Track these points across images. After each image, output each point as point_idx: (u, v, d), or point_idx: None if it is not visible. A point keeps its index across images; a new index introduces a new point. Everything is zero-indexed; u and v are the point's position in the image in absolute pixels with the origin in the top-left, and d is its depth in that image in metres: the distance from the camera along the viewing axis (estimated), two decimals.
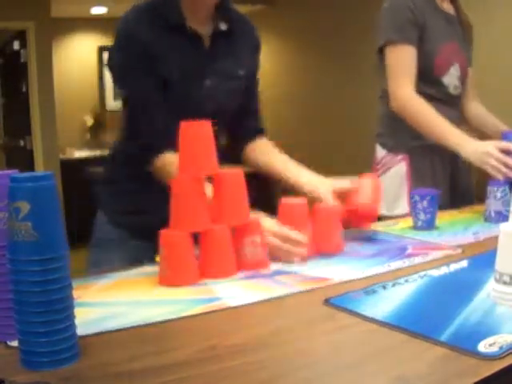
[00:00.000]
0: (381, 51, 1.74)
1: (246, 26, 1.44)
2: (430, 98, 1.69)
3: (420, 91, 1.70)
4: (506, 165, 1.51)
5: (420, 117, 1.67)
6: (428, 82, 1.71)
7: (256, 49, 1.47)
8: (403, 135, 1.76)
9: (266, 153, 1.47)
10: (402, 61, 1.68)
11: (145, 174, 1.32)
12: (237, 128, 1.47)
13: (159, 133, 1.30)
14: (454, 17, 1.79)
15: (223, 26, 1.34)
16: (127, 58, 1.29)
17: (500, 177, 1.52)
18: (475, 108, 1.88)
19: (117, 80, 1.37)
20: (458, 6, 1.81)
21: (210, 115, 1.29)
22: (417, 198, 1.43)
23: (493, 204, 1.50)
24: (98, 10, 5.67)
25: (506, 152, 1.53)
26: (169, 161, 1.27)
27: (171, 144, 1.22)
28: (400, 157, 1.76)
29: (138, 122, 1.34)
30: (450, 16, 1.78)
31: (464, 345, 0.74)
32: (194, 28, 1.30)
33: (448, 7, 1.79)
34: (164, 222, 1.31)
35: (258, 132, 1.51)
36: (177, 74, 1.29)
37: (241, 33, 1.40)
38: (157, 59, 1.27)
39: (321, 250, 1.25)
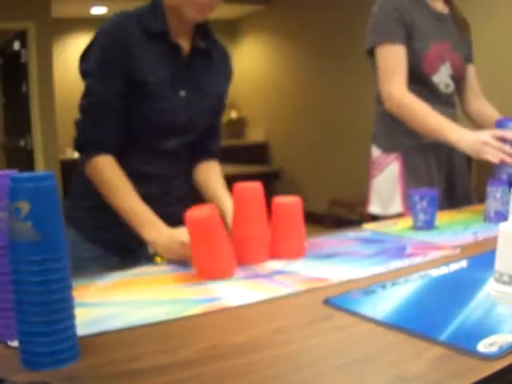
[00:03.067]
0: (370, 54, 1.75)
1: (222, 52, 1.49)
2: (418, 95, 1.70)
3: (409, 89, 1.70)
4: (503, 151, 1.52)
5: (415, 114, 1.67)
6: (417, 80, 1.72)
7: (229, 76, 1.51)
8: (398, 135, 1.77)
9: (210, 175, 1.50)
10: (391, 60, 1.69)
11: None
12: (197, 146, 1.49)
13: (103, 134, 1.32)
14: (447, 16, 1.80)
15: (202, 45, 1.38)
16: (104, 53, 1.30)
17: (496, 160, 1.52)
18: (480, 105, 1.88)
19: (86, 77, 1.36)
20: (452, 4, 1.82)
21: (182, 128, 1.37)
22: (416, 198, 1.43)
23: (493, 204, 1.50)
24: (98, 10, 5.68)
25: (502, 140, 1.53)
26: (102, 162, 1.30)
27: (111, 148, 1.30)
28: (393, 156, 1.77)
29: (87, 119, 1.35)
30: (441, 15, 1.78)
31: (463, 344, 0.74)
32: (176, 39, 1.34)
33: (441, 7, 1.80)
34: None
35: (214, 155, 1.54)
36: (152, 78, 1.30)
37: (218, 57, 1.45)
38: (134, 60, 1.28)
39: (278, 254, 1.22)
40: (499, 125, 1.60)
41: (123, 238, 1.34)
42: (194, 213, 1.10)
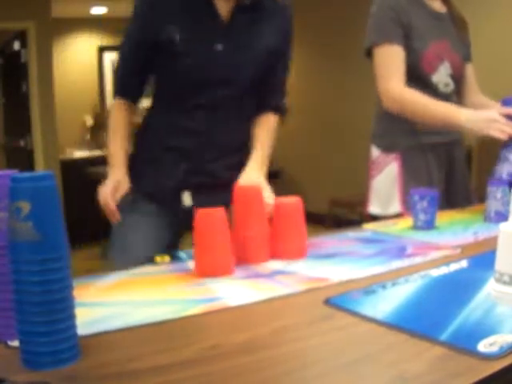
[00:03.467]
0: (369, 54, 1.75)
1: (276, 6, 1.47)
2: None
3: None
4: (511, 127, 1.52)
5: (417, 106, 1.67)
6: (416, 80, 1.72)
7: (283, 29, 1.49)
8: (397, 135, 1.77)
9: (259, 131, 1.52)
10: (389, 60, 1.70)
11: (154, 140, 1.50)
12: (257, 101, 1.52)
13: (124, 79, 1.51)
14: (445, 15, 1.80)
15: (247, 1, 1.40)
16: (136, 16, 1.44)
17: (504, 136, 1.53)
18: (480, 103, 1.88)
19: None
20: (450, 4, 1.82)
21: (218, 82, 1.43)
22: (416, 197, 1.43)
23: (493, 204, 1.50)
24: (98, 10, 5.68)
25: (509, 117, 1.54)
26: (116, 104, 1.51)
27: (130, 93, 1.51)
28: (392, 156, 1.77)
29: (119, 63, 1.52)
30: (439, 15, 1.79)
31: (464, 344, 0.74)
32: None
33: (439, 6, 1.80)
34: (175, 186, 1.48)
35: (273, 108, 1.55)
36: (177, 36, 1.38)
37: (269, 11, 1.45)
38: (160, 22, 1.38)
39: (279, 254, 1.21)
40: (505, 103, 1.60)
41: (159, 187, 1.49)
42: (206, 210, 1.12)
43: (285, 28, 1.50)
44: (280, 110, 1.57)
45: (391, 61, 1.70)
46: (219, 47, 1.40)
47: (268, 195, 1.30)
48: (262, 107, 1.54)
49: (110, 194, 1.39)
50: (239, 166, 1.46)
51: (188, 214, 1.41)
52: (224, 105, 1.45)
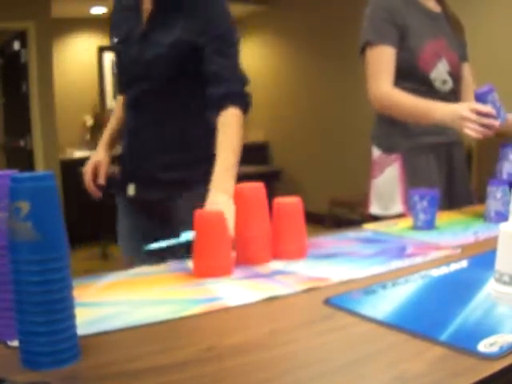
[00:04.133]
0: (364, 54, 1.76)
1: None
2: (416, 94, 1.70)
3: (406, 88, 1.70)
4: (482, 124, 1.48)
5: (401, 106, 1.67)
6: (414, 78, 1.72)
7: (205, 16, 1.44)
8: (398, 136, 1.77)
9: (218, 132, 1.42)
10: (380, 61, 1.70)
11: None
12: (206, 99, 1.46)
13: (119, 77, 1.69)
14: (439, 15, 1.81)
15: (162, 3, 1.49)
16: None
17: (479, 136, 1.49)
18: None
19: None
20: (444, 4, 1.83)
21: (139, 78, 1.54)
22: (416, 198, 1.43)
23: (493, 204, 1.50)
24: (98, 10, 5.68)
25: (482, 114, 1.49)
26: (117, 101, 1.76)
27: (122, 91, 1.68)
28: (393, 157, 1.77)
29: None
30: (434, 14, 1.80)
31: (464, 344, 0.74)
32: (140, 1, 1.53)
33: (434, 6, 1.81)
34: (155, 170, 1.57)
35: (221, 98, 1.44)
36: (115, 39, 1.58)
37: (189, 5, 1.46)
38: (112, 24, 1.62)
39: (279, 254, 1.21)
40: (478, 98, 1.54)
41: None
42: (204, 212, 1.13)
43: (208, 14, 1.44)
44: (235, 98, 1.44)
45: (381, 61, 1.70)
46: (136, 47, 1.51)
47: (230, 219, 1.17)
48: (211, 101, 1.44)
49: (91, 174, 1.62)
50: (178, 166, 1.52)
51: (131, 202, 1.63)
52: (146, 102, 1.53)
